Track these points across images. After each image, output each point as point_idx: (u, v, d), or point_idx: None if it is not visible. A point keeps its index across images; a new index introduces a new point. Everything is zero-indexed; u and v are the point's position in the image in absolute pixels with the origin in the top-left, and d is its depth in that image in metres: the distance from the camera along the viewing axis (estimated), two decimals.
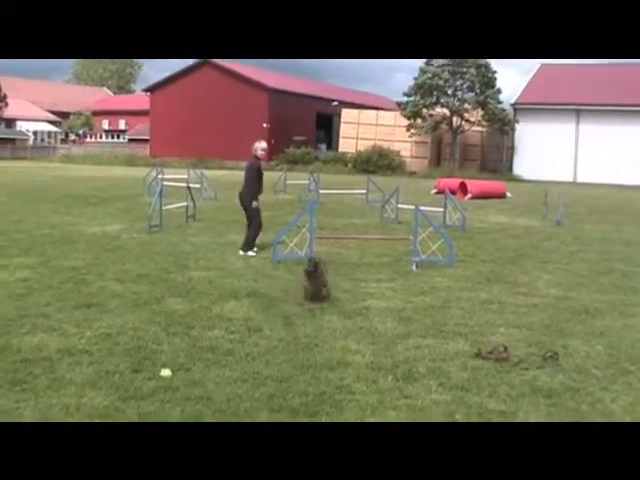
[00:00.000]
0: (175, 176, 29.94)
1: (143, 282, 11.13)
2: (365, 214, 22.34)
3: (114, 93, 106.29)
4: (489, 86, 51.18)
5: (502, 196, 31.37)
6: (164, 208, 17.47)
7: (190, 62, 65.25)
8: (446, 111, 52.49)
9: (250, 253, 13.92)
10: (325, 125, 68.16)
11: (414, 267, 12.79)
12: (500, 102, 51.77)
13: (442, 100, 52.15)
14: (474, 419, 5.97)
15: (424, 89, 51.22)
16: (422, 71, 51.99)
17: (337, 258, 13.66)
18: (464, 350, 7.96)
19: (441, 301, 10.38)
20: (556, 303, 10.51)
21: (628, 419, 6.08)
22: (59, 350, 7.55)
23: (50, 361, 7.20)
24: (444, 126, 53.06)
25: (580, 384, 6.94)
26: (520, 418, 6.02)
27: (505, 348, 7.72)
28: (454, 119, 52.39)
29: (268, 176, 17.36)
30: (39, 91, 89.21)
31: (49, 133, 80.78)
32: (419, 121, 52.19)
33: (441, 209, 19.51)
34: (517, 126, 52.11)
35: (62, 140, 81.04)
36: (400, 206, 20.14)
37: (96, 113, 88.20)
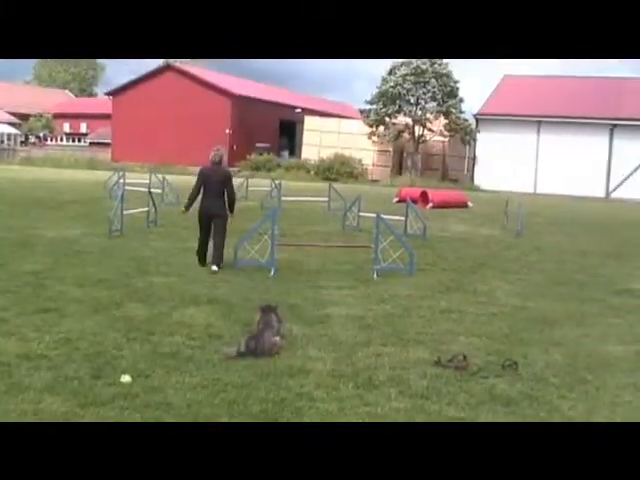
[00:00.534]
0: (137, 180, 29.73)
1: (103, 287, 11.05)
2: (327, 222, 22.38)
3: (76, 96, 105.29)
4: (451, 96, 51.59)
5: (463, 206, 31.59)
6: (125, 212, 17.35)
7: (153, 66, 65.01)
8: (408, 120, 52.81)
9: (216, 269, 12.95)
10: (288, 132, 68.11)
11: (375, 275, 12.84)
12: (462, 112, 52.23)
13: (405, 109, 52.45)
14: None
15: (387, 97, 51.48)
16: (385, 80, 52.29)
17: (298, 265, 13.68)
18: (424, 358, 8.00)
19: (401, 309, 10.43)
20: (515, 312, 10.61)
21: None
22: (17, 355, 7.46)
23: (8, 366, 7.11)
24: (406, 135, 53.40)
25: (538, 392, 7.01)
26: None
27: (464, 357, 7.78)
28: (416, 128, 52.71)
29: None
30: None
31: (9, 135, 79.73)
32: (381, 129, 52.45)
33: (402, 218, 19.59)
34: (479, 136, 52.58)
35: (22, 143, 80.00)
36: (362, 214, 20.20)
37: (57, 116, 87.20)
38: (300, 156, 58.52)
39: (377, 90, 52.65)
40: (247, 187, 30.10)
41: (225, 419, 5.94)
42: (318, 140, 56.65)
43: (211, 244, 13.47)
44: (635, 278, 14.14)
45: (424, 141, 53.41)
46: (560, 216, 29.99)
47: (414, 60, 50.16)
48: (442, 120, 51.90)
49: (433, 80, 50.76)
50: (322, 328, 9.14)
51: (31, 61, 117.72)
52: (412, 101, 52.43)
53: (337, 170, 51.42)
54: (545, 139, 51.56)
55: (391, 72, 52.34)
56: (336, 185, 29.65)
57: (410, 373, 7.46)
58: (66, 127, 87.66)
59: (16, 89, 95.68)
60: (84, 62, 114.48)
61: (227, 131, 58.91)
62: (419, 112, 52.41)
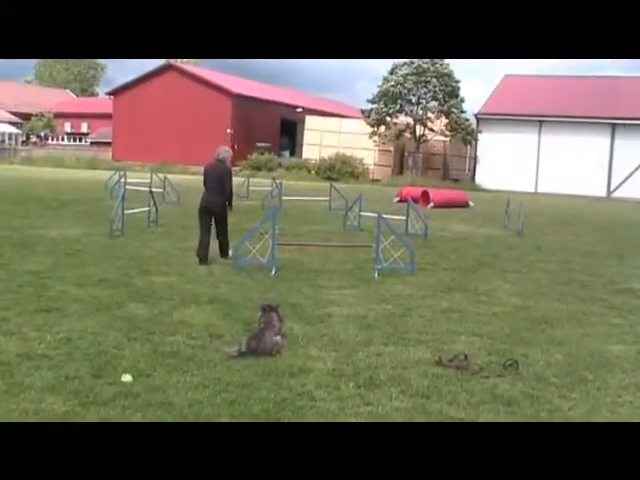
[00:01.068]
0: (138, 180, 29.71)
1: (104, 287, 11.05)
2: (328, 221, 22.38)
3: (77, 96, 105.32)
4: (452, 95, 51.63)
5: (464, 205, 31.61)
6: (126, 212, 17.35)
7: (154, 66, 65.01)
8: (410, 119, 52.82)
9: (230, 254, 13.73)
10: (289, 131, 68.13)
11: (376, 275, 12.83)
12: (463, 112, 52.25)
13: (406, 108, 52.49)
14: None
15: (388, 97, 51.50)
16: (386, 79, 52.31)
17: (299, 265, 13.67)
18: (425, 358, 8.00)
19: (403, 309, 10.42)
20: (516, 312, 10.60)
21: None
22: (18, 354, 7.46)
23: (9, 365, 7.11)
24: (407, 134, 53.40)
25: (539, 392, 7.01)
26: None
27: (466, 356, 7.77)
28: (417, 128, 52.71)
29: None
30: (0, 92, 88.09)
31: (10, 135, 79.72)
32: (383, 129, 52.45)
33: (404, 217, 19.59)
34: (480, 136, 52.58)
35: (23, 142, 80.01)
36: (363, 214, 20.20)
37: (58, 115, 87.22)
38: (301, 156, 58.53)
39: (378, 89, 52.66)
40: (248, 187, 30.13)
41: (226, 419, 5.94)
42: (319, 140, 56.64)
43: (215, 244, 13.79)
44: (636, 278, 14.14)
45: (425, 141, 53.44)
46: (561, 216, 29.99)
47: (415, 59, 50.18)
48: (443, 120, 51.92)
49: (434, 80, 50.80)
50: (323, 327, 9.13)
51: (32, 61, 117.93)
52: (413, 101, 52.52)
53: (338, 170, 51.45)
54: (546, 138, 51.62)
55: (392, 71, 52.41)
56: (337, 185, 29.68)
57: (411, 373, 7.46)
58: (67, 127, 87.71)
59: (17, 89, 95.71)
60: (85, 62, 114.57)
61: (228, 131, 58.93)
62: (420, 112, 52.47)
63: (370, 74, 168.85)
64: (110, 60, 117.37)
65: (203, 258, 13.47)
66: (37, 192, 28.85)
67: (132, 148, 61.84)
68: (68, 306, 9.64)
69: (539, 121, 51.75)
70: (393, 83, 51.14)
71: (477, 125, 53.24)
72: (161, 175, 28.90)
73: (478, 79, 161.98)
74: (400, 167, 55.88)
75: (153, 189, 20.81)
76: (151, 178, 28.92)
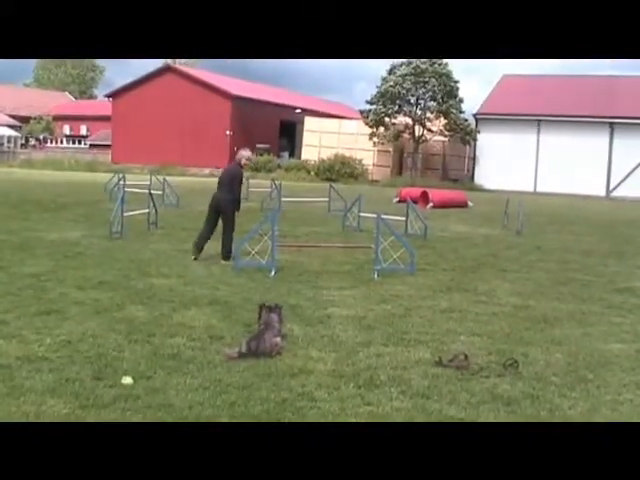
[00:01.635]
0: (137, 182, 29.72)
1: (104, 289, 11.05)
2: (327, 222, 22.37)
3: (75, 98, 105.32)
4: (451, 96, 51.62)
5: (464, 205, 31.60)
6: (126, 214, 17.34)
7: (153, 68, 65.03)
8: (408, 120, 52.82)
9: (230, 261, 13.69)
10: (288, 133, 68.16)
11: (376, 275, 12.83)
12: (462, 112, 52.25)
13: (405, 109, 52.50)
14: None
15: (387, 97, 51.50)
16: (384, 80, 52.31)
17: (299, 266, 13.68)
18: (425, 358, 8.00)
19: (402, 309, 10.42)
20: (516, 312, 10.60)
21: None
22: (18, 357, 7.46)
23: (9, 368, 7.10)
24: (406, 135, 53.40)
25: (539, 391, 7.01)
26: None
27: (466, 356, 7.78)
28: (416, 128, 52.72)
29: None
30: None
31: (9, 138, 79.72)
32: (382, 129, 52.45)
33: (403, 218, 19.58)
34: (479, 136, 52.58)
35: (22, 145, 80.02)
36: (362, 214, 20.19)
37: (57, 118, 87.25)
38: (300, 157, 58.53)
39: (377, 90, 52.66)
40: (248, 188, 30.11)
41: (226, 420, 5.94)
42: (318, 141, 56.65)
43: (215, 244, 14.03)
44: (636, 277, 14.14)
45: (424, 141, 53.42)
46: (560, 215, 29.98)
47: (414, 59, 50.18)
48: (442, 120, 51.92)
49: (433, 80, 50.78)
50: (323, 328, 9.14)
51: (31, 63, 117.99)
52: (412, 101, 52.52)
53: (337, 170, 51.45)
54: (545, 138, 51.60)
55: (391, 72, 52.41)
56: (336, 185, 29.64)
57: (411, 373, 7.46)
58: (66, 129, 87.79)
59: (16, 91, 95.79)
60: (84, 64, 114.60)
61: (227, 132, 58.93)
62: (419, 112, 52.46)
63: (369, 75, 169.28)
64: (109, 62, 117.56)
65: (198, 247, 14.03)
66: (36, 195, 28.85)
67: (131, 150, 61.84)
68: (68, 309, 9.64)
69: (538, 121, 51.74)
70: (392, 83, 51.13)
71: (476, 125, 53.24)
72: (160, 177, 28.86)
73: (476, 79, 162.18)
74: (399, 167, 55.89)
75: (152, 191, 20.80)
76: (150, 180, 28.91)
